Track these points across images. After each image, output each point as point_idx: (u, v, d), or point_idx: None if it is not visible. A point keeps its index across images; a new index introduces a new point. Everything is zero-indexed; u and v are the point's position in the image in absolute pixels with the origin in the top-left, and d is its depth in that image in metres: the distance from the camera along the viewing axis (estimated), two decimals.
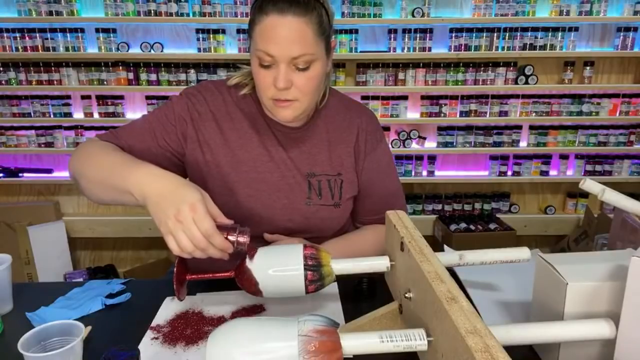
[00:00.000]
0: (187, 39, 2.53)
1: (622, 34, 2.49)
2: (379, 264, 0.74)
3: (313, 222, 0.99)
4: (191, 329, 0.77)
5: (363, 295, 0.89)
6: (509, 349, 0.45)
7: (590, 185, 0.81)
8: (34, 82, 2.46)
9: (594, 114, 2.56)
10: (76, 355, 0.65)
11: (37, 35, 2.42)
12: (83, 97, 2.52)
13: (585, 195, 2.66)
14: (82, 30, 2.44)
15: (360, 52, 2.51)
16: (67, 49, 2.44)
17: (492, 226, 2.57)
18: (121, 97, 2.54)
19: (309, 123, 1.00)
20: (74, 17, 2.40)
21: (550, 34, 2.47)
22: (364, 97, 2.56)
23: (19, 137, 2.54)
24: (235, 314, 0.82)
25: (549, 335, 0.59)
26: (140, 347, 0.72)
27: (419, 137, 2.62)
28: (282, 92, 0.86)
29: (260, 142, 0.98)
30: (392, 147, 2.56)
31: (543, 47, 2.49)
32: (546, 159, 2.65)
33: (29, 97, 2.50)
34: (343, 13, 2.43)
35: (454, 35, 2.48)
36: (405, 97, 2.56)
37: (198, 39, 2.46)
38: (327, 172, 1.00)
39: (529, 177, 2.66)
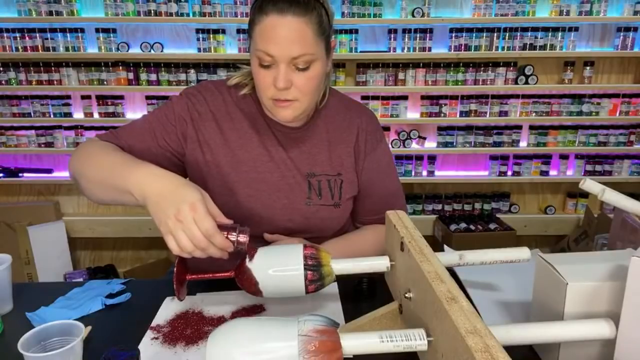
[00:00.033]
0: (187, 39, 2.53)
1: (622, 34, 2.49)
2: (379, 264, 0.74)
3: (313, 222, 0.99)
4: (191, 329, 0.77)
5: (363, 295, 0.89)
6: (509, 349, 0.45)
7: (590, 185, 0.81)
8: (34, 82, 2.46)
9: (594, 114, 2.56)
10: (76, 355, 0.65)
11: (37, 35, 2.42)
12: (83, 97, 2.52)
13: (585, 195, 2.66)
14: (82, 30, 2.44)
15: (360, 52, 2.51)
16: (67, 49, 2.44)
17: (492, 226, 2.57)
18: (121, 97, 2.54)
19: (309, 123, 1.00)
20: (74, 17, 2.40)
21: (550, 34, 2.47)
22: (364, 97, 2.56)
23: (19, 137, 2.54)
24: (235, 314, 0.82)
25: (549, 335, 0.59)
26: (140, 347, 0.72)
27: (419, 137, 2.62)
28: (282, 92, 0.86)
29: (260, 142, 0.98)
30: (392, 147, 2.56)
31: (543, 47, 2.49)
32: (546, 159, 2.65)
33: (29, 97, 2.50)
34: (343, 13, 2.43)
35: (454, 35, 2.48)
36: (405, 97, 2.56)
37: (198, 39, 2.46)
38: (327, 172, 1.00)
39: (529, 177, 2.66)
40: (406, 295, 0.64)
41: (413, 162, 2.66)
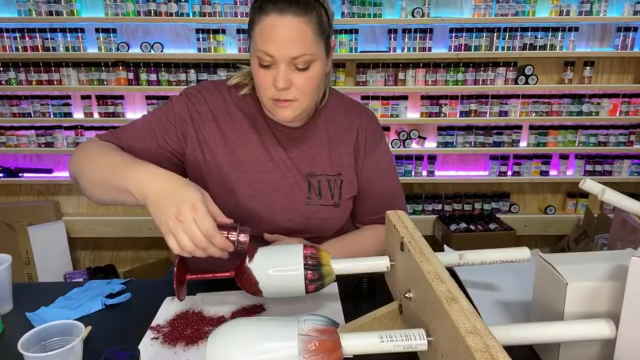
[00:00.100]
0: (187, 39, 2.53)
1: (622, 34, 2.49)
2: (379, 264, 0.74)
3: (313, 222, 0.99)
4: (191, 329, 0.77)
5: (363, 295, 0.89)
6: (509, 349, 0.45)
7: (590, 185, 0.81)
8: (34, 82, 2.46)
9: (594, 114, 2.56)
10: (76, 355, 0.65)
11: (37, 35, 2.42)
12: (83, 97, 2.52)
13: (585, 195, 2.66)
14: (82, 30, 2.44)
15: (360, 52, 2.51)
16: (67, 49, 2.44)
17: (492, 226, 2.57)
18: (121, 97, 2.54)
19: (309, 123, 1.00)
20: (74, 17, 2.40)
21: (550, 34, 2.47)
22: (364, 97, 2.56)
23: (19, 137, 2.54)
24: (235, 314, 0.82)
25: (549, 335, 0.59)
26: (140, 347, 0.72)
27: (419, 137, 2.62)
28: (281, 92, 0.86)
29: (260, 142, 0.98)
30: (392, 147, 2.56)
31: (543, 47, 2.49)
32: (546, 159, 2.65)
33: (29, 97, 2.50)
34: (343, 13, 2.43)
35: (454, 35, 2.48)
36: (405, 97, 2.56)
37: (198, 39, 2.46)
38: (327, 172, 1.00)
39: (529, 177, 2.66)
40: (406, 295, 0.64)
41: (413, 162, 2.66)
